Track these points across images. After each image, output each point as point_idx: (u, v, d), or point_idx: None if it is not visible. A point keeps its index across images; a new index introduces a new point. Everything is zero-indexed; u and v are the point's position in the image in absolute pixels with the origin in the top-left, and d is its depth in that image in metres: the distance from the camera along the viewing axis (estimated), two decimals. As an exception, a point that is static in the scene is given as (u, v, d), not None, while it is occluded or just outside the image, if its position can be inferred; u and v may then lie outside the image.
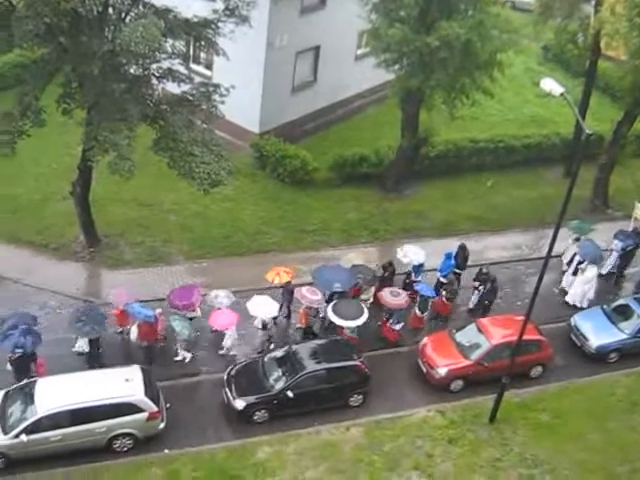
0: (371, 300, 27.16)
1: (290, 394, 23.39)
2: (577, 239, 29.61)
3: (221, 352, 25.33)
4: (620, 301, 28.31)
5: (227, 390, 23.73)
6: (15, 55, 31.27)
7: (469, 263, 28.79)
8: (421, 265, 27.91)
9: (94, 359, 24.18)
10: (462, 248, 28.60)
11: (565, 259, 29.91)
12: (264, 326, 25.57)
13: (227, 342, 25.19)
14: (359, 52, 36.53)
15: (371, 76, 35.14)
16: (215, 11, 25.43)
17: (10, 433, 21.09)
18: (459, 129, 34.98)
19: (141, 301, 24.97)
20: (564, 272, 29.80)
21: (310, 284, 26.48)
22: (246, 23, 25.52)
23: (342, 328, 25.53)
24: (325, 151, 33.86)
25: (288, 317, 26.81)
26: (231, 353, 25.33)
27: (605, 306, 28.05)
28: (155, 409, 22.16)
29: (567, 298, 29.04)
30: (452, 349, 25.58)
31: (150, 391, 22.36)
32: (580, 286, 28.74)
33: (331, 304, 25.72)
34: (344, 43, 35.39)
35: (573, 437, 24.07)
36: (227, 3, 25.14)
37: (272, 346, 25.42)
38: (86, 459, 21.73)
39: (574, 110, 21.54)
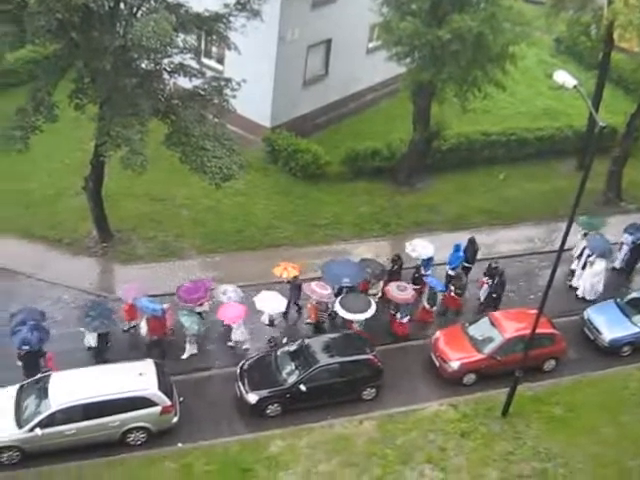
0: (380, 294, 27.12)
1: (303, 388, 23.43)
2: (586, 234, 29.46)
3: (230, 344, 25.38)
4: (633, 294, 28.16)
5: (240, 384, 23.79)
6: (27, 51, 31.32)
7: (478, 257, 28.69)
8: (430, 259, 27.86)
9: (103, 354, 24.24)
10: (472, 242, 28.53)
11: (575, 253, 29.74)
12: (271, 322, 25.54)
13: (236, 335, 25.23)
14: (371, 45, 36.45)
15: (383, 69, 35.06)
16: (226, 5, 25.45)
17: (25, 427, 21.23)
18: (471, 122, 34.86)
19: (151, 296, 25.06)
20: (573, 271, 29.61)
21: (319, 279, 26.47)
22: (257, 17, 25.55)
23: (351, 322, 25.53)
24: (337, 145, 33.83)
25: (298, 312, 26.78)
26: (242, 347, 25.39)
27: (618, 299, 27.94)
28: (168, 403, 22.25)
29: (577, 292, 28.94)
30: (465, 343, 25.55)
31: (163, 385, 22.45)
32: (589, 279, 28.65)
33: (339, 298, 25.73)
34: (356, 36, 35.32)
35: (586, 431, 24.02)
36: (238, -3, 25.18)
37: (284, 340, 25.46)
38: (100, 453, 21.87)
39: (587, 102, 21.44)
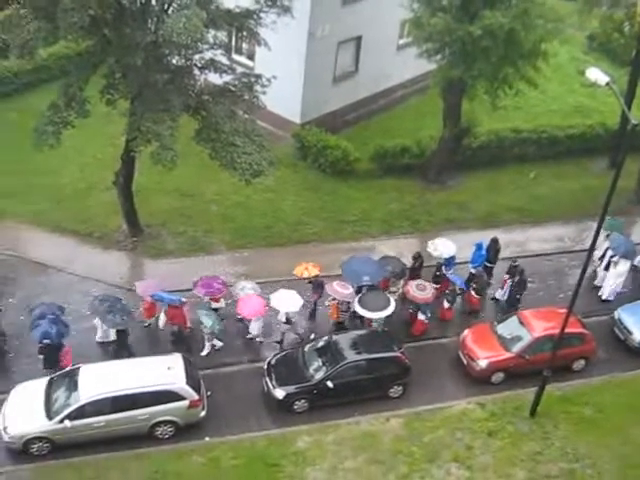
0: (400, 292, 26.96)
1: (330, 384, 23.45)
2: (608, 235, 29.00)
3: (249, 336, 25.48)
4: (665, 294, 27.93)
5: (267, 379, 23.88)
6: (60, 47, 31.69)
7: (504, 256, 28.50)
8: (452, 258, 27.70)
9: (123, 349, 24.38)
10: (494, 241, 28.30)
11: (597, 255, 29.34)
12: (288, 320, 25.51)
13: (254, 329, 25.30)
14: (401, 42, 36.35)
15: (413, 66, 34.98)
16: (257, 1, 25.48)
17: (55, 418, 21.48)
18: (502, 119, 34.67)
19: (173, 291, 25.25)
20: (595, 270, 29.30)
21: (339, 276, 26.38)
22: (288, 13, 25.55)
23: (370, 320, 25.49)
24: (366, 141, 33.77)
25: (314, 311, 26.63)
26: (258, 340, 25.50)
27: (650, 300, 27.69)
28: (196, 397, 22.39)
29: (600, 292, 28.62)
30: (493, 341, 25.42)
31: (191, 379, 22.60)
32: (613, 279, 28.33)
33: (358, 296, 25.64)
34: (386, 33, 35.23)
35: (615, 431, 23.80)
36: (269, -7, 25.22)
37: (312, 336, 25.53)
38: (128, 445, 22.05)
39: (619, 100, 21.21)
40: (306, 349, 24.49)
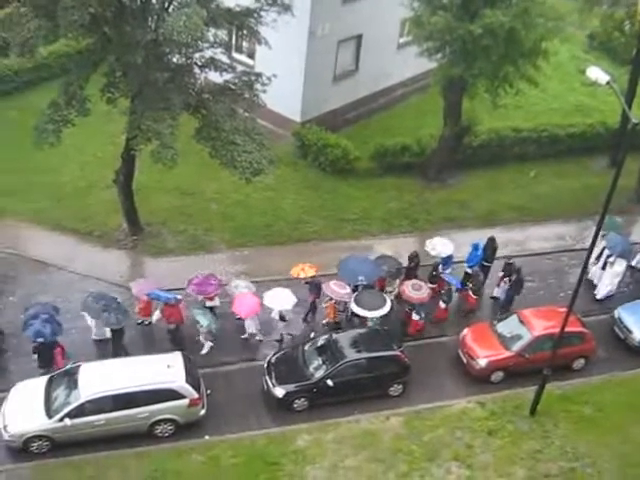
0: (396, 292, 26.92)
1: (330, 383, 23.46)
2: (604, 234, 28.85)
3: (244, 336, 25.47)
4: (665, 293, 27.94)
5: (267, 378, 23.88)
6: (61, 45, 31.70)
7: (500, 255, 28.43)
8: (450, 257, 27.68)
9: (119, 348, 24.34)
10: (491, 240, 28.27)
11: (594, 254, 29.27)
12: (282, 318, 25.42)
13: (249, 327, 25.30)
14: (401, 40, 36.36)
15: (413, 65, 34.97)
16: (257, 0, 25.46)
17: (54, 417, 21.49)
18: (502, 118, 34.67)
19: (172, 289, 25.28)
20: (587, 267, 29.19)
21: (335, 275, 26.33)
22: (288, 12, 25.55)
23: (365, 319, 25.46)
24: (366, 140, 33.78)
25: (313, 312, 26.52)
26: (256, 338, 25.50)
27: (650, 298, 27.69)
28: (196, 396, 22.39)
29: (595, 291, 28.56)
30: (493, 340, 25.42)
31: (191, 378, 22.61)
32: (609, 279, 28.25)
33: (354, 295, 25.60)
34: (386, 31, 35.22)
35: (615, 430, 23.81)
36: (269, -8, 25.22)
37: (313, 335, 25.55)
38: (128, 444, 22.07)
39: (620, 99, 21.20)
40: (306, 348, 24.50)
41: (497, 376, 25.19)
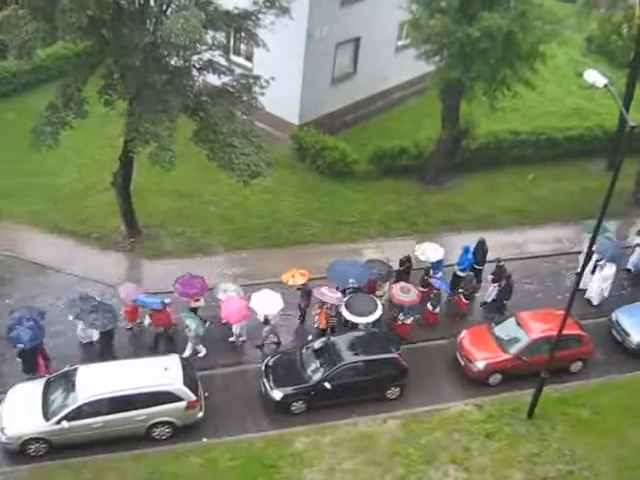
0: (387, 296, 26.83)
1: (327, 385, 23.46)
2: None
3: (231, 339, 25.43)
4: (663, 296, 27.96)
5: (265, 381, 23.87)
6: (58, 47, 31.67)
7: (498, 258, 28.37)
8: (440, 262, 27.61)
9: (107, 351, 24.31)
10: (481, 242, 28.23)
11: (582, 258, 29.25)
12: (266, 321, 25.28)
13: (237, 330, 25.28)
14: (399, 43, 36.34)
15: (411, 68, 34.97)
16: (255, 3, 25.47)
17: (52, 419, 21.46)
18: (500, 121, 34.68)
19: (167, 293, 25.27)
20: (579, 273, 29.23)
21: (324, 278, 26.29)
22: (286, 14, 25.53)
23: (357, 325, 25.37)
24: (365, 143, 33.80)
25: (302, 318, 26.49)
26: (240, 339, 25.47)
27: (647, 301, 27.71)
28: (194, 398, 22.38)
29: (585, 295, 28.36)
30: (491, 343, 25.43)
31: (189, 380, 22.60)
32: (598, 283, 28.11)
33: (344, 300, 25.48)
34: (384, 34, 35.24)
35: (612, 433, 23.81)
36: (267, -5, 25.23)
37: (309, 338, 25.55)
38: (126, 446, 22.04)
39: (617, 102, 21.24)
40: (304, 350, 24.48)
41: (495, 379, 25.20)
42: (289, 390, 23.51)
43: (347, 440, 22.93)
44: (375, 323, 25.44)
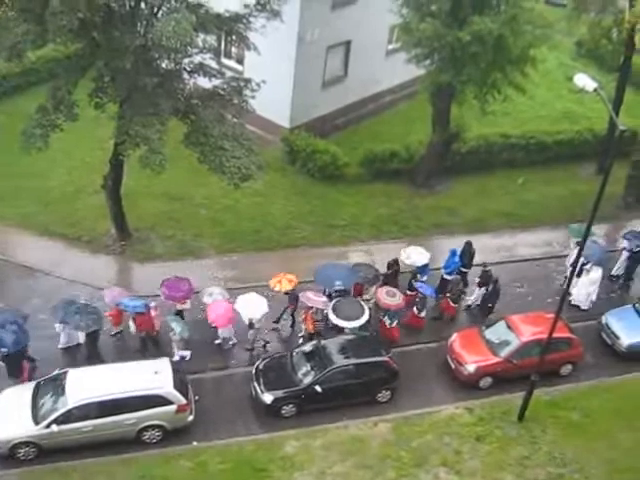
0: (373, 299, 26.78)
1: (318, 389, 23.44)
2: (578, 243, 28.70)
3: (217, 342, 25.37)
4: (652, 300, 28.04)
5: (255, 384, 23.83)
6: (49, 50, 31.56)
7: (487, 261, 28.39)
8: (426, 266, 27.62)
9: (93, 354, 24.23)
10: (468, 244, 28.27)
11: (568, 262, 29.31)
12: (250, 324, 25.17)
13: (223, 333, 25.23)
14: (390, 47, 36.40)
15: (402, 71, 35.02)
16: (246, 6, 25.49)
17: (41, 423, 21.37)
18: (490, 125, 34.71)
19: (154, 296, 25.23)
20: (567, 277, 29.20)
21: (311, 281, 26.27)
22: (277, 18, 25.53)
23: (343, 329, 25.29)
24: (355, 146, 33.83)
25: (292, 325, 26.43)
26: (229, 343, 25.40)
27: (637, 304, 27.72)
28: (184, 402, 22.32)
29: (571, 299, 28.30)
30: (481, 346, 25.46)
31: (179, 383, 22.54)
32: (584, 287, 28.05)
33: (331, 304, 25.43)
34: (375, 38, 35.30)
35: (602, 436, 23.86)
36: (259, -2, 25.25)
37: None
38: (116, 450, 21.97)
39: (607, 106, 21.30)
40: (294, 354, 24.46)
41: (485, 382, 25.23)
42: (280, 393, 23.48)
43: (338, 443, 22.91)
44: (365, 326, 25.39)
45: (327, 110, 35.01)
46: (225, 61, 33.17)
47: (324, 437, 23.07)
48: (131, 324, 24.79)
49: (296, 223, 30.74)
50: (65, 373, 22.45)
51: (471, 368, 25.01)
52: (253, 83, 26.05)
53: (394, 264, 27.58)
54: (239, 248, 29.32)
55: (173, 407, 22.20)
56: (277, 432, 23.19)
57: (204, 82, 26.62)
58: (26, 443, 21.41)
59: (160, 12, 23.85)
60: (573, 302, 28.23)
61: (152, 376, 22.39)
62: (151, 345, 24.93)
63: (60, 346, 24.50)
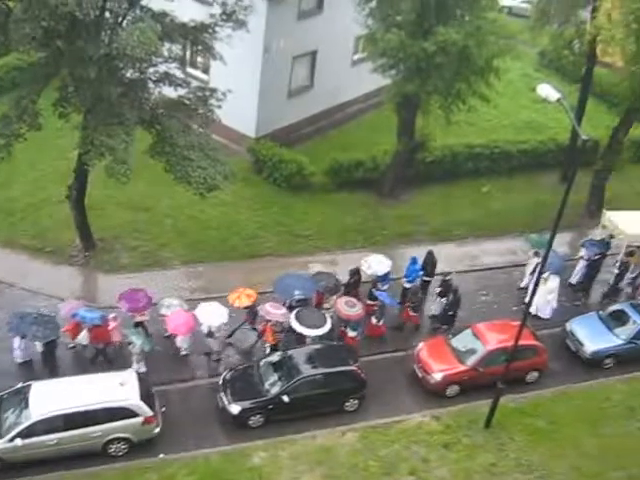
0: (333, 308, 26.58)
1: (285, 399, 23.35)
2: (536, 253, 28.67)
3: (183, 353, 25.21)
4: (615, 306, 28.36)
5: (222, 395, 23.69)
6: (12, 58, 31.22)
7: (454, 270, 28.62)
8: (387, 274, 27.65)
9: (52, 365, 23.94)
10: (430, 254, 28.42)
11: (527, 271, 29.54)
12: (210, 334, 25.06)
13: (182, 343, 25.09)
14: (356, 57, 36.57)
15: (368, 81, 35.15)
16: (212, 15, 25.46)
17: (5, 437, 21.05)
18: (455, 134, 35.03)
19: (113, 308, 24.99)
20: (522, 288, 29.39)
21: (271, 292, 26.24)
22: (243, 28, 25.55)
23: (305, 337, 25.25)
24: (321, 156, 33.82)
25: (259, 336, 26.14)
26: (185, 352, 25.20)
27: (600, 311, 28.07)
28: (150, 413, 22.12)
29: (530, 309, 28.61)
30: (448, 354, 25.56)
31: (145, 395, 22.32)
32: (543, 296, 28.04)
33: (294, 312, 25.36)
34: (341, 48, 35.43)
35: (568, 443, 24.06)
36: (224, 8, 25.21)
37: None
38: (82, 464, 21.66)
39: (570, 116, 21.57)
40: (261, 364, 24.36)
41: (452, 390, 25.32)
42: (247, 404, 23.36)
43: (306, 453, 22.84)
44: (328, 335, 25.32)
45: (293, 120, 35.02)
46: (191, 71, 33.09)
47: (292, 447, 22.98)
48: (84, 334, 24.38)
49: (262, 233, 30.69)
50: (29, 386, 22.13)
51: (438, 377, 25.09)
52: (219, 93, 26.02)
53: (355, 273, 27.57)
54: (205, 258, 29.18)
55: (139, 419, 21.99)
56: (245, 443, 23.05)
57: (169, 92, 26.53)
58: (-11, 457, 21.09)
59: (125, 21, 23.77)
60: (533, 312, 28.18)
61: (118, 388, 22.16)
62: (105, 357, 24.57)
63: (18, 360, 24.12)
